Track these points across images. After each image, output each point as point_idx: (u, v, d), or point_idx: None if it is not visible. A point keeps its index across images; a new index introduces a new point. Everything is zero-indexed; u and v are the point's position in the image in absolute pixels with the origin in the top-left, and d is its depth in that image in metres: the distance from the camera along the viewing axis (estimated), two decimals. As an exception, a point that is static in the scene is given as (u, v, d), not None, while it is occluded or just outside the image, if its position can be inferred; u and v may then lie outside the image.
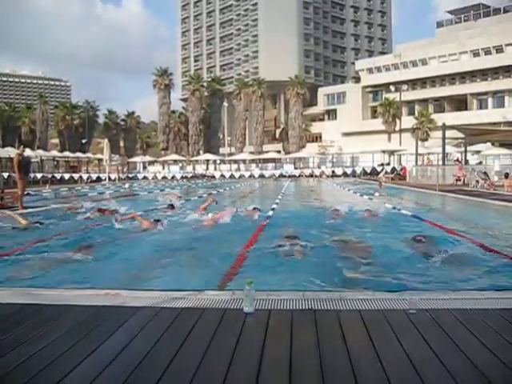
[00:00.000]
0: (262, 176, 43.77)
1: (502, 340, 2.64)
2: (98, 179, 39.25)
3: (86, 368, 2.35)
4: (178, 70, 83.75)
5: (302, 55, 71.49)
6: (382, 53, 73.41)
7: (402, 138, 41.47)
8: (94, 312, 3.27)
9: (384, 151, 42.18)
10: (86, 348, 2.59)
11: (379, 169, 38.89)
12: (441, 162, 27.37)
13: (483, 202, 13.28)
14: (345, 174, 41.58)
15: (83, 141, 54.68)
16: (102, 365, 2.37)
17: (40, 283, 4.55)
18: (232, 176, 44.72)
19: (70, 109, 59.52)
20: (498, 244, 6.53)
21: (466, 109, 51.21)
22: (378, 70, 59.21)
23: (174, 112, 63.05)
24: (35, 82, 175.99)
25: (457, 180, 22.63)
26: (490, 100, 50.22)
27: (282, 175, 43.17)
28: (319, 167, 46.66)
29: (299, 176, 42.69)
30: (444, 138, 25.60)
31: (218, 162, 52.36)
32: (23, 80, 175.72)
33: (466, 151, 27.87)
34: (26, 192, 13.87)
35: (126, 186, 29.45)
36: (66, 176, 40.72)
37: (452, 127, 27.47)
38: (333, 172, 42.72)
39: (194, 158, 52.67)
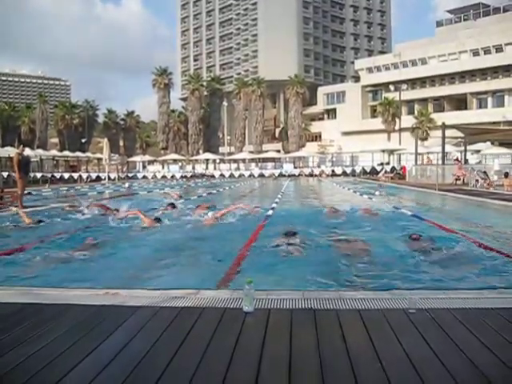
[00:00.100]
0: (261, 175, 43.76)
1: (501, 339, 2.64)
2: (98, 178, 39.23)
3: (86, 367, 2.35)
4: (178, 70, 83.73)
5: (301, 54, 71.43)
6: (382, 52, 73.37)
7: (401, 137, 41.48)
8: (93, 311, 3.27)
9: (383, 150, 42.18)
10: (86, 347, 2.59)
11: (379, 168, 38.89)
12: (440, 162, 27.38)
13: (483, 202, 13.28)
14: (344, 174, 41.58)
15: (83, 140, 54.67)
16: (102, 364, 2.37)
17: (41, 282, 4.56)
18: (231, 175, 44.71)
19: (69, 108, 59.49)
20: (498, 243, 6.53)
21: (465, 108, 51.21)
22: (378, 69, 59.19)
23: (173, 111, 63.02)
24: (35, 81, 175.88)
25: (456, 179, 22.63)
26: (489, 99, 50.22)
27: (281, 174, 43.15)
28: (319, 166, 46.67)
29: (299, 175, 42.68)
30: (444, 137, 25.60)
31: (218, 161, 52.35)
32: (23, 79, 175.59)
33: (465, 150, 27.87)
34: (27, 192, 13.87)
35: (126, 185, 29.45)
36: (66, 175, 40.69)
37: (452, 126, 27.49)
38: (332, 171, 42.71)
39: (194, 158, 52.67)
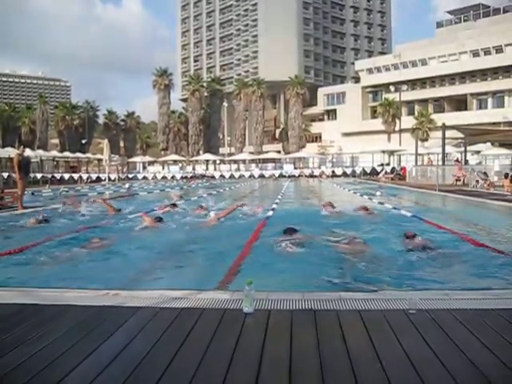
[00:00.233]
0: (261, 176, 43.74)
1: (501, 340, 2.64)
2: (98, 179, 39.23)
3: (86, 368, 2.35)
4: (178, 70, 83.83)
5: (301, 55, 71.50)
6: (382, 53, 73.45)
7: (401, 138, 41.46)
8: (93, 312, 3.27)
9: (384, 151, 42.18)
10: (86, 348, 2.59)
11: (379, 169, 38.89)
12: (440, 162, 27.38)
13: (483, 202, 13.29)
14: (344, 174, 41.57)
15: (83, 141, 54.70)
16: (102, 365, 2.37)
17: (41, 282, 4.56)
18: (232, 176, 44.69)
19: (69, 109, 59.55)
20: (498, 244, 6.52)
21: (465, 109, 51.24)
22: (378, 70, 59.23)
23: (173, 112, 63.10)
24: (35, 82, 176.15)
25: (457, 180, 22.63)
26: (489, 100, 50.26)
27: (281, 175, 43.14)
28: (319, 167, 46.67)
29: (299, 176, 42.66)
30: (444, 138, 25.60)
31: (218, 162, 52.36)
32: (23, 80, 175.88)
33: (465, 151, 27.85)
34: (30, 192, 13.90)
35: (126, 185, 29.45)
36: (66, 176, 40.71)
37: (452, 127, 27.46)
38: (333, 172, 42.70)
39: (194, 158, 52.69)
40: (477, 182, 19.68)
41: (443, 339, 2.67)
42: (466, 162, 27.41)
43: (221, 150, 58.91)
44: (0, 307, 3.42)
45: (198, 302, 3.43)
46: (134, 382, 2.21)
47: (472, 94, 51.09)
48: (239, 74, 72.38)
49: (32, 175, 31.01)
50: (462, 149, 28.28)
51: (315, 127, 63.79)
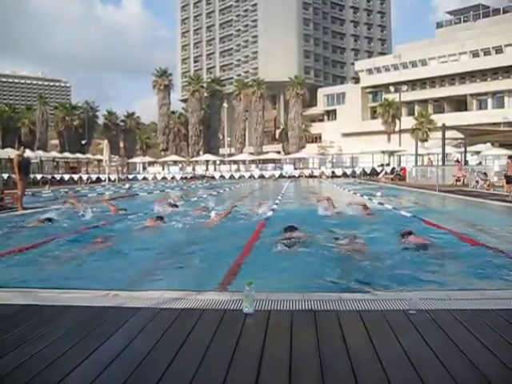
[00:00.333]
0: (261, 177, 43.72)
1: (501, 340, 2.65)
2: (98, 180, 39.23)
3: (86, 368, 2.36)
4: (178, 71, 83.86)
5: (301, 56, 71.53)
6: (382, 53, 73.47)
7: (401, 138, 41.46)
8: (93, 313, 3.28)
9: (384, 152, 42.17)
10: (86, 348, 2.59)
11: (379, 169, 38.89)
12: (440, 163, 27.38)
13: (483, 203, 13.30)
14: (344, 175, 41.56)
15: (83, 142, 54.69)
16: (102, 365, 2.37)
17: (42, 281, 4.57)
18: (232, 177, 44.69)
19: (69, 110, 59.59)
20: (498, 244, 6.52)
21: (465, 109, 51.24)
22: (378, 70, 59.24)
23: (173, 113, 63.10)
24: (35, 82, 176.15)
25: (456, 180, 22.63)
26: (489, 100, 50.26)
27: (281, 176, 43.14)
28: (319, 168, 46.67)
29: (299, 176, 42.66)
30: (444, 138, 25.61)
31: (218, 162, 52.35)
32: (23, 81, 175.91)
33: (465, 152, 27.87)
34: (31, 193, 13.91)
35: (126, 186, 29.44)
36: (66, 177, 40.71)
37: (452, 128, 27.48)
38: (332, 172, 42.70)
39: (194, 159, 52.68)
40: (477, 182, 19.68)
41: (443, 339, 2.67)
42: (466, 162, 27.41)
43: (221, 151, 58.91)
44: (1, 307, 3.43)
45: (198, 303, 3.44)
46: (135, 383, 2.21)
47: (472, 95, 51.10)
48: (239, 75, 72.38)
49: (32, 176, 30.99)
50: (462, 149, 28.30)
51: (315, 128, 63.79)
